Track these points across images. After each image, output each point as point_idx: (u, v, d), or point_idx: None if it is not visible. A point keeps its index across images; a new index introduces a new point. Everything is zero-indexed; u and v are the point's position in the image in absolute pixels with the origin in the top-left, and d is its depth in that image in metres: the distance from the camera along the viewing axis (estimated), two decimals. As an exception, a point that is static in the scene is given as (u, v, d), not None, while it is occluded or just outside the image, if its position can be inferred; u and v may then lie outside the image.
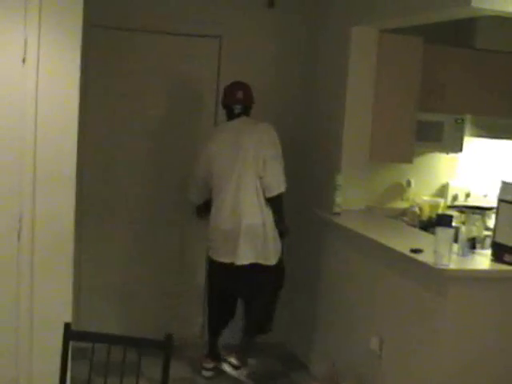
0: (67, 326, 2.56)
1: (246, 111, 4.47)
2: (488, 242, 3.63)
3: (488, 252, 3.50)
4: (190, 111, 5.01)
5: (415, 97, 4.54)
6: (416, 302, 3.48)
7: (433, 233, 3.53)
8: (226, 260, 4.38)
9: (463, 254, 3.43)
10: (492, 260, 3.42)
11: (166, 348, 2.48)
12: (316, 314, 4.74)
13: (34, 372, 3.54)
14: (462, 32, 4.77)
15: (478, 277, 3.35)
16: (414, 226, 4.54)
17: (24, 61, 3.35)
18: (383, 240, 3.78)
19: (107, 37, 4.70)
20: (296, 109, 5.11)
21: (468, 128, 4.90)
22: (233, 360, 4.47)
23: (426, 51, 4.51)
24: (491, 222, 3.93)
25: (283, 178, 4.37)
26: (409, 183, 4.97)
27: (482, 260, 3.46)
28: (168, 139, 4.98)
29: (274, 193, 4.35)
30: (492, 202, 4.39)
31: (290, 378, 4.70)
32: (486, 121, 4.92)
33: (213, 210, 4.44)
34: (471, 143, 4.99)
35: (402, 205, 4.93)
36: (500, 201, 3.42)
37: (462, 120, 4.80)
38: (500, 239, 3.39)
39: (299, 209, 4.98)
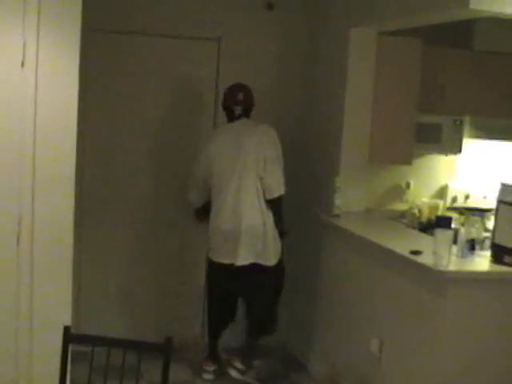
0: (66, 329, 2.56)
1: (246, 113, 4.48)
2: (487, 243, 3.63)
3: (487, 253, 3.50)
4: (190, 113, 5.01)
5: (414, 98, 4.54)
6: (416, 304, 3.48)
7: (432, 234, 3.53)
8: (225, 261, 4.38)
9: (462, 256, 3.42)
10: (491, 261, 3.42)
11: (165, 351, 2.48)
12: (316, 316, 4.74)
13: (33, 374, 3.54)
14: (461, 33, 4.77)
15: (477, 278, 3.34)
16: (414, 228, 4.54)
17: (23, 64, 3.36)
18: (383, 242, 3.78)
19: (106, 39, 4.70)
20: (296, 110, 5.11)
21: (467, 129, 4.91)
22: (238, 364, 4.50)
23: (425, 53, 4.51)
24: (490, 223, 3.93)
25: (283, 179, 4.38)
26: (408, 185, 4.97)
27: (482, 261, 3.46)
28: (168, 140, 4.99)
29: (274, 194, 4.36)
30: (491, 203, 4.39)
31: (289, 379, 4.70)
32: (485, 122, 4.92)
33: (213, 210, 4.45)
34: (470, 145, 4.99)
35: (401, 206, 4.93)
36: (499, 202, 3.42)
37: (461, 121, 4.80)
38: (499, 240, 3.39)
39: (299, 210, 4.99)
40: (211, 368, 4.60)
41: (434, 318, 3.34)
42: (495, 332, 3.34)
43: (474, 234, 3.56)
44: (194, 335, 5.10)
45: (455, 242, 3.41)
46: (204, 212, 4.60)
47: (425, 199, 4.97)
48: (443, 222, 4.18)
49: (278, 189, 4.37)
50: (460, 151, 4.88)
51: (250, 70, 4.91)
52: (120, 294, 5.00)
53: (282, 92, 5.06)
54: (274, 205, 4.40)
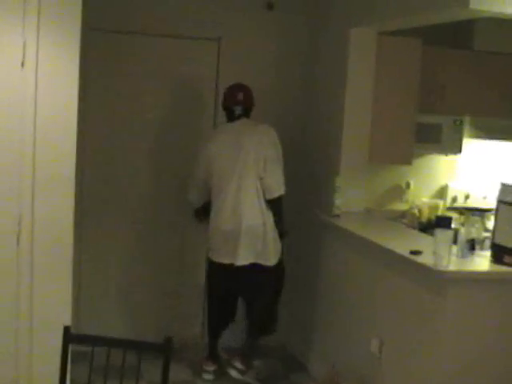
0: (66, 329, 2.56)
1: (246, 113, 4.48)
2: (487, 243, 3.63)
3: (487, 253, 3.50)
4: (190, 113, 5.01)
5: (414, 98, 4.54)
6: (416, 304, 3.48)
7: (432, 234, 3.53)
8: (225, 261, 4.38)
9: (462, 256, 3.42)
10: (491, 261, 3.42)
11: (165, 351, 2.48)
12: (316, 316, 4.74)
13: (33, 374, 3.54)
14: (461, 33, 4.77)
15: (477, 278, 3.34)
16: (414, 228, 4.54)
17: (23, 64, 3.36)
18: (383, 242, 3.78)
19: (106, 39, 4.70)
20: (296, 110, 5.11)
21: (467, 129, 4.91)
22: (238, 364, 4.50)
23: (425, 53, 4.51)
24: (490, 223, 3.93)
25: (283, 179, 4.38)
26: (408, 185, 4.97)
27: (482, 261, 3.46)
28: (167, 140, 4.99)
29: (274, 194, 4.37)
30: (491, 203, 4.39)
31: (289, 379, 4.70)
32: (485, 122, 4.92)
33: (213, 210, 4.45)
34: (470, 145, 4.99)
35: (401, 207, 4.93)
36: (499, 202, 3.42)
37: (461, 122, 4.80)
38: (499, 240, 3.39)
39: (299, 210, 4.99)
40: (211, 368, 4.60)
41: (433, 318, 3.34)
42: (495, 332, 3.34)
43: (473, 234, 3.56)
44: (193, 335, 5.10)
45: (455, 242, 3.41)
46: (204, 212, 4.60)
47: (425, 199, 4.97)
48: (443, 222, 4.18)
49: (278, 189, 4.37)
50: (460, 151, 4.88)
51: (249, 69, 4.91)
52: (120, 294, 5.01)
53: (281, 92, 5.06)
54: (274, 205, 4.40)
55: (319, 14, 4.99)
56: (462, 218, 4.52)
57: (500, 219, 3.41)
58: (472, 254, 3.48)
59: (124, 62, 4.81)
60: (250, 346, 4.62)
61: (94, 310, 4.87)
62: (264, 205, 4.36)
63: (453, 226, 4.20)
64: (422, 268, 3.33)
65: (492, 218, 3.78)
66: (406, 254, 3.48)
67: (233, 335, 4.77)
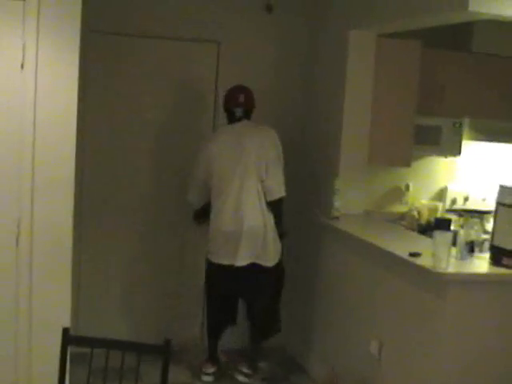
0: (65, 330, 2.56)
1: (247, 115, 4.48)
2: (486, 245, 3.63)
3: (486, 255, 3.50)
4: (190, 114, 5.02)
5: (413, 100, 4.55)
6: (415, 306, 3.48)
7: (431, 236, 3.53)
8: (225, 262, 4.38)
9: (461, 258, 3.43)
10: (490, 263, 3.42)
11: (164, 353, 2.48)
12: (315, 318, 4.74)
13: (32, 376, 3.54)
14: (460, 36, 4.78)
15: (476, 280, 3.34)
16: (413, 230, 4.54)
17: (22, 66, 3.36)
18: (382, 244, 3.78)
19: (106, 42, 4.71)
20: (295, 112, 5.12)
21: (466, 131, 4.91)
22: (244, 369, 4.53)
23: (424, 54, 4.51)
24: (489, 225, 3.93)
25: (284, 182, 4.39)
26: (407, 187, 4.97)
27: (481, 263, 3.46)
28: (168, 141, 4.99)
29: (275, 196, 4.38)
30: (490, 205, 4.39)
31: (289, 381, 4.70)
32: (484, 124, 4.92)
33: (213, 212, 4.44)
34: (469, 147, 4.99)
35: (400, 209, 4.93)
36: (498, 204, 3.42)
37: (460, 124, 4.81)
38: (498, 242, 3.40)
39: (299, 210, 4.99)
40: (211, 370, 4.60)
41: (433, 319, 3.34)
42: (494, 333, 3.34)
43: (473, 236, 3.57)
44: (193, 336, 5.10)
45: (454, 244, 3.42)
46: (203, 214, 4.59)
47: (424, 201, 4.97)
48: (442, 224, 4.19)
49: (279, 191, 4.38)
50: (459, 153, 4.88)
51: (249, 71, 4.91)
52: (120, 294, 5.01)
53: (281, 94, 5.07)
54: (275, 207, 4.41)
55: (318, 16, 4.99)
56: (461, 219, 4.52)
57: (499, 221, 3.41)
58: (471, 256, 3.49)
59: (124, 64, 4.81)
60: (255, 349, 4.63)
61: (94, 310, 4.87)
62: (265, 206, 4.36)
63: (452, 228, 4.20)
64: (421, 270, 3.34)
65: (491, 219, 3.78)
66: (405, 255, 3.48)
67: (232, 337, 4.77)
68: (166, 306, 5.06)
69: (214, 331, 4.65)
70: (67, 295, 3.58)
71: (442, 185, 5.09)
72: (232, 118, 4.49)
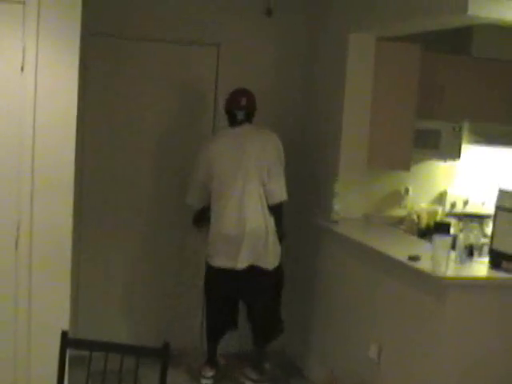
0: (64, 334, 2.56)
1: (248, 118, 4.48)
2: (486, 249, 3.63)
3: (486, 259, 3.51)
4: (190, 116, 5.02)
5: (413, 104, 4.55)
6: (414, 310, 3.48)
7: (431, 240, 3.53)
8: (226, 265, 4.38)
9: (461, 262, 3.43)
10: (489, 267, 3.43)
11: (163, 356, 2.48)
12: (314, 321, 4.74)
13: (31, 379, 3.54)
14: (460, 39, 4.78)
15: (475, 284, 3.35)
16: (412, 234, 4.54)
17: (22, 68, 3.36)
18: (381, 248, 3.79)
19: (106, 45, 4.71)
20: (295, 114, 5.12)
21: (465, 135, 4.90)
22: (251, 374, 4.56)
23: (424, 58, 4.51)
24: (489, 229, 3.93)
25: (285, 185, 4.39)
26: (407, 191, 4.97)
27: (480, 267, 3.46)
28: (168, 142, 5.00)
29: (277, 200, 4.39)
30: (490, 209, 4.39)
31: (289, 383, 4.71)
32: (484, 128, 4.92)
33: (213, 216, 4.44)
34: (469, 151, 4.99)
35: (399, 212, 4.92)
36: (497, 208, 3.43)
37: (460, 127, 4.80)
38: (497, 246, 3.40)
39: (299, 210, 4.98)
40: (210, 373, 4.59)
41: (432, 323, 3.34)
42: (494, 337, 3.34)
43: (472, 239, 3.57)
44: (193, 338, 5.09)
45: (454, 247, 3.42)
46: (202, 218, 4.59)
47: (423, 205, 4.97)
48: (442, 228, 4.19)
49: (280, 194, 4.39)
50: (459, 157, 4.88)
51: (249, 73, 4.92)
52: (119, 295, 5.00)
53: (281, 96, 5.07)
54: (276, 210, 4.42)
55: (318, 19, 4.99)
56: (461, 223, 4.52)
57: (498, 225, 3.42)
58: (470, 260, 3.49)
59: (123, 67, 4.82)
60: (259, 353, 4.63)
61: (93, 311, 4.87)
62: (266, 210, 4.37)
63: (451, 231, 4.20)
64: (421, 274, 3.34)
65: (490, 223, 3.78)
66: (404, 259, 3.49)
67: (231, 341, 4.77)
68: (166, 306, 5.06)
69: (214, 334, 4.64)
70: (66, 298, 3.57)
71: (441, 189, 5.08)
72: (233, 121, 4.49)
